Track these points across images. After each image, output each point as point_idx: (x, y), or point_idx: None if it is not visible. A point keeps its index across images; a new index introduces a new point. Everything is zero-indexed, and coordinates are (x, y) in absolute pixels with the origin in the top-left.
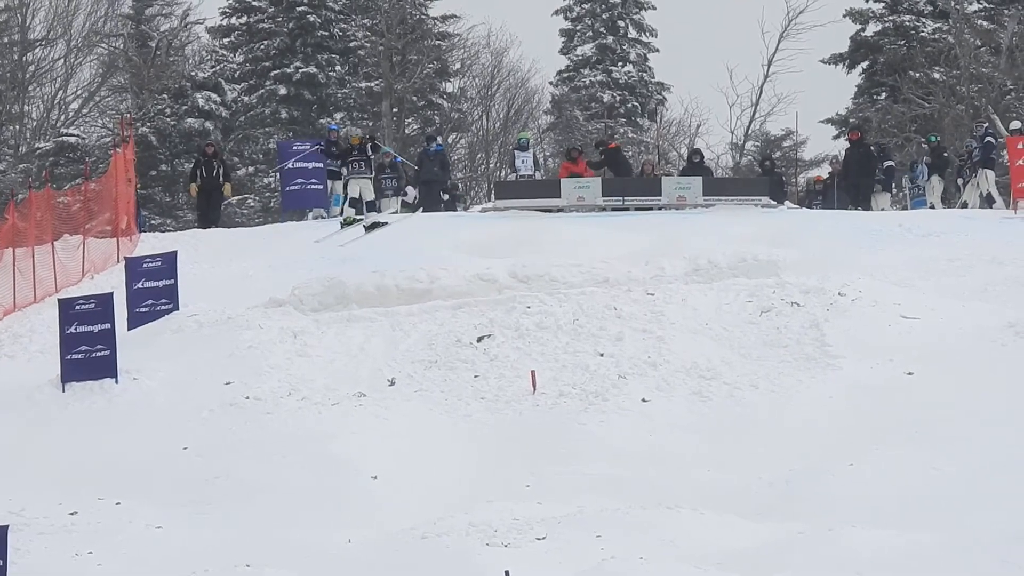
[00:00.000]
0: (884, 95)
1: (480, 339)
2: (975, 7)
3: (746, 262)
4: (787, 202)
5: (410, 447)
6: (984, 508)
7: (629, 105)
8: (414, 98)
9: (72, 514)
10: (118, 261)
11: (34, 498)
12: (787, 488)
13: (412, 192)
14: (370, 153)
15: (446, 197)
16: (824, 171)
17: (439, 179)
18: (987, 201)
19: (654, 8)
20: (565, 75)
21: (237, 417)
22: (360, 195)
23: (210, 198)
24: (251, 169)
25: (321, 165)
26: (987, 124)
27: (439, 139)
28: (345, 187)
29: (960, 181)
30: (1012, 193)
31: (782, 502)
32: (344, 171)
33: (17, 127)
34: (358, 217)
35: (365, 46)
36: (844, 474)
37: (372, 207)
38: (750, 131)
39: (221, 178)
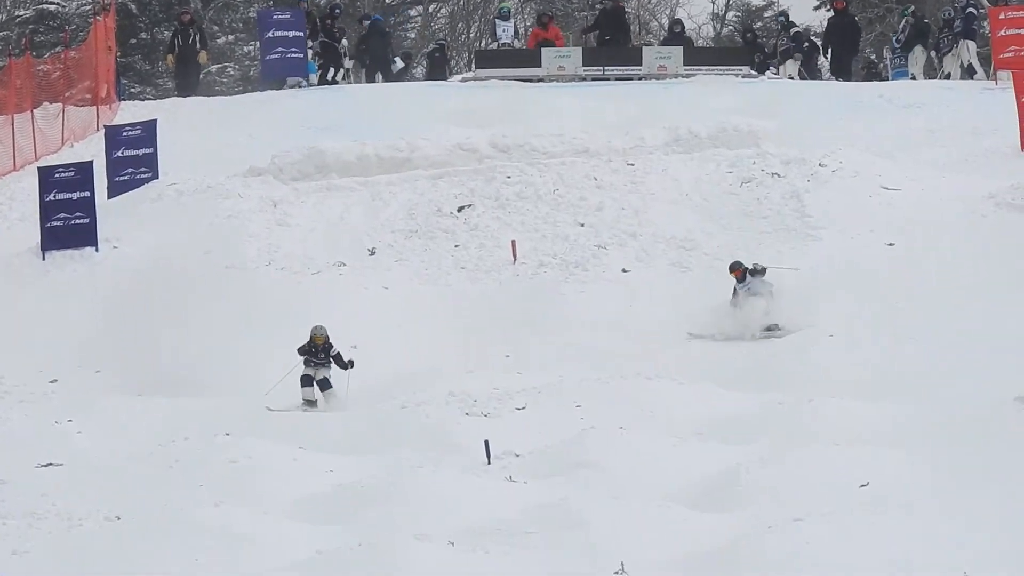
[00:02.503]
0: None
1: (460, 209)
2: None
3: (727, 132)
4: (769, 71)
5: (390, 317)
6: (961, 379)
7: None
8: None
9: (52, 382)
10: (98, 129)
11: (13, 366)
12: (768, 360)
13: (399, 63)
14: (331, 355)
15: (400, 64)
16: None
17: (381, 55)
18: (968, 72)
19: None
20: None
21: (217, 286)
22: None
23: (188, 66)
24: (231, 38)
25: (302, 34)
26: None
27: (374, 16)
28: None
29: (934, 53)
30: (993, 64)
31: (763, 373)
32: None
33: None
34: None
35: None
36: (825, 345)
37: (326, 385)
38: (731, 1)
39: (198, 45)
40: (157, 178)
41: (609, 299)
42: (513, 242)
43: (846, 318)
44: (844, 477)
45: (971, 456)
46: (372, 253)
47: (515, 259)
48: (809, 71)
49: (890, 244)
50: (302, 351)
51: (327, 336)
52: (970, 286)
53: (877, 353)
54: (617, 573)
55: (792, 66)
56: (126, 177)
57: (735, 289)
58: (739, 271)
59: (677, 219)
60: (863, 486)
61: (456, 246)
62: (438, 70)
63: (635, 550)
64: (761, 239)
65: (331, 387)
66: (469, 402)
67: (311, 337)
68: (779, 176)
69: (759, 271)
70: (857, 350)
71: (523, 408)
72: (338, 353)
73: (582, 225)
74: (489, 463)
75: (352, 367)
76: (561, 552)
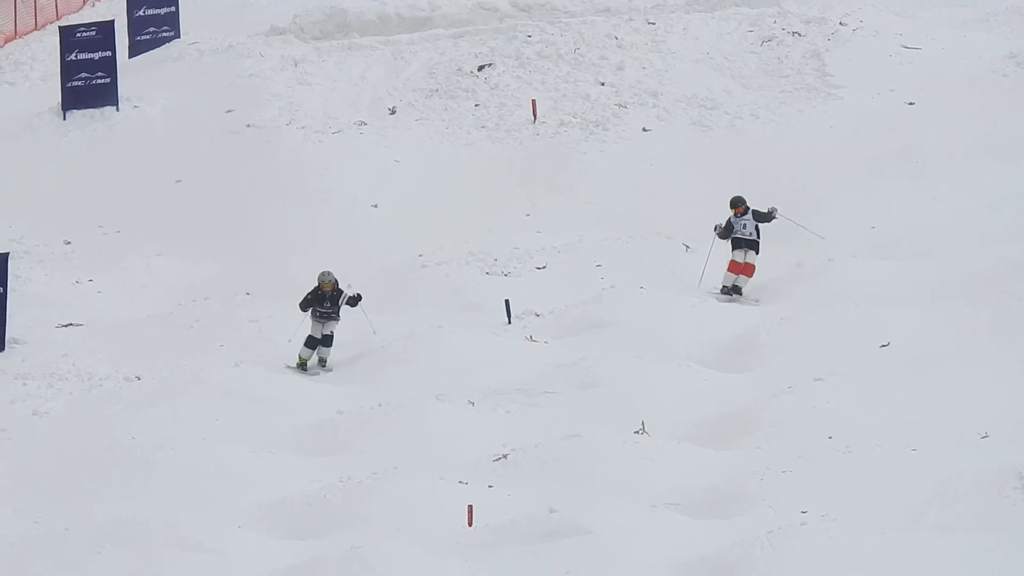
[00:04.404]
0: None
1: (481, 68)
2: None
3: None
4: None
5: (411, 176)
6: (981, 239)
7: None
8: None
9: (69, 243)
10: None
11: (34, 226)
12: (788, 221)
13: None
14: (342, 303)
15: None
16: None
17: None
18: None
19: None
20: None
21: (237, 145)
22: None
23: None
24: None
25: None
26: None
27: None
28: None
29: None
30: None
31: (782, 236)
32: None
33: None
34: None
35: None
36: (845, 206)
37: (329, 341)
38: None
39: None
40: (179, 37)
41: (629, 158)
42: (533, 101)
43: (866, 177)
44: (864, 337)
45: (991, 316)
46: (393, 112)
47: (535, 118)
48: None
49: (910, 103)
50: (306, 303)
51: (335, 282)
52: (990, 145)
53: (896, 214)
54: (637, 432)
55: None
56: (148, 36)
57: (730, 221)
58: (740, 208)
59: (698, 78)
60: (883, 346)
61: (476, 105)
62: None
63: (655, 409)
64: (782, 98)
65: (331, 345)
66: (489, 261)
67: (318, 284)
68: (800, 35)
69: (767, 213)
70: (876, 210)
71: (543, 267)
72: (349, 298)
73: (603, 84)
74: (509, 323)
75: (360, 300)
76: (581, 412)
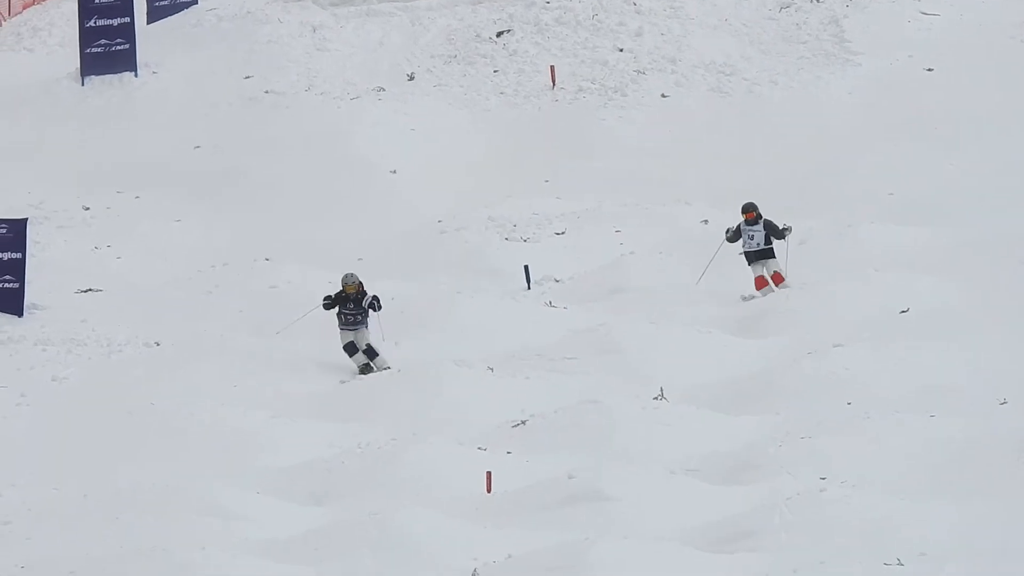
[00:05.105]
0: None
1: (499, 34)
2: None
3: None
4: None
5: (429, 142)
6: (998, 205)
7: None
8: None
9: (87, 209)
10: None
11: (53, 192)
12: (805, 184)
13: None
14: (365, 305)
15: None
16: None
17: None
18: None
19: None
20: None
21: (256, 111)
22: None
23: None
24: None
25: None
26: None
27: None
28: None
29: None
30: None
31: (799, 199)
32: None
33: None
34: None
35: None
36: (863, 172)
37: (372, 353)
38: None
39: None
40: (197, 3)
41: (648, 124)
42: (552, 67)
43: (883, 143)
44: (883, 303)
45: (1009, 281)
46: (411, 78)
47: (554, 84)
48: None
49: (928, 69)
50: (330, 302)
51: (359, 283)
52: (1008, 111)
53: (913, 178)
54: (656, 398)
55: None
56: (166, 2)
57: (740, 227)
58: (751, 214)
59: (716, 44)
60: (902, 312)
61: (495, 71)
62: None
63: (674, 375)
64: (800, 64)
65: (378, 354)
66: (508, 227)
67: (342, 286)
68: (818, 1)
69: (781, 230)
70: (894, 176)
71: (562, 233)
72: (371, 300)
73: (621, 50)
74: (528, 288)
75: (380, 306)
76: (600, 377)
